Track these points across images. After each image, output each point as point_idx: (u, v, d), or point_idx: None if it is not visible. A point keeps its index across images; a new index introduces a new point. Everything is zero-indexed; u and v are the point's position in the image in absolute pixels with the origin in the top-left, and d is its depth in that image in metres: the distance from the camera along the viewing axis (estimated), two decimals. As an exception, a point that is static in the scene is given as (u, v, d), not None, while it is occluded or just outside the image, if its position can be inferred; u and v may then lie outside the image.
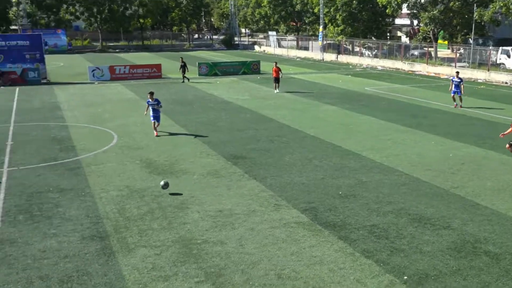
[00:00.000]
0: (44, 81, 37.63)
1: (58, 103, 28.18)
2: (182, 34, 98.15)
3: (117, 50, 79.94)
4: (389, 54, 54.64)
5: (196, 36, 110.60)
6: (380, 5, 54.76)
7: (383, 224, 11.27)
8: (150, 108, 20.00)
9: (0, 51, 36.18)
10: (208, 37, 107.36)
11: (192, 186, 13.89)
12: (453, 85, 26.19)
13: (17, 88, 34.22)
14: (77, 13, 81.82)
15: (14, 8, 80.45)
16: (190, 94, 31.97)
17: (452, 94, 26.37)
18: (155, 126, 20.05)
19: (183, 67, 37.68)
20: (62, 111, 25.63)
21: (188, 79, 37.82)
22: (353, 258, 9.68)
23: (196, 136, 19.90)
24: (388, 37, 68.82)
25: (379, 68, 51.07)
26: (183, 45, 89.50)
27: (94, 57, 65.54)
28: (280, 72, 32.33)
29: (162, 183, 13.08)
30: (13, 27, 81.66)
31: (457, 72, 27.25)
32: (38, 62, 37.41)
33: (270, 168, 15.52)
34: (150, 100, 19.98)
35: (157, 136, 19.70)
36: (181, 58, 39.97)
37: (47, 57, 41.54)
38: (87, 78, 39.10)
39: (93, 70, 39.71)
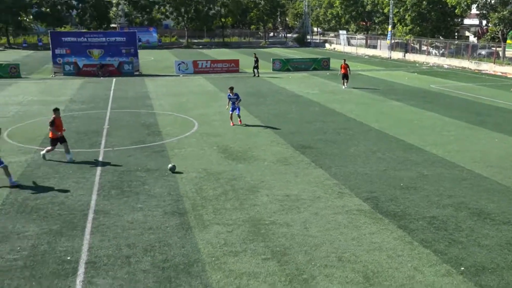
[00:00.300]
0: (137, 73, 39.19)
1: (147, 93, 29.29)
2: (259, 32, 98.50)
3: (200, 46, 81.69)
4: (456, 53, 51.97)
5: (271, 34, 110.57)
6: (450, 6, 52.15)
7: (443, 216, 10.83)
8: (230, 101, 19.99)
9: (101, 46, 38.04)
10: (283, 35, 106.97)
11: (262, 171, 13.99)
12: None
13: (114, 79, 35.89)
14: (167, 13, 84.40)
15: (114, 9, 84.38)
16: (264, 87, 32.10)
17: None
18: (232, 117, 20.13)
19: (256, 62, 38.00)
20: (151, 100, 26.61)
21: (259, 75, 37.97)
22: (411, 246, 9.40)
23: (268, 126, 19.99)
24: (456, 37, 65.42)
25: (446, 66, 48.77)
26: (259, 42, 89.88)
27: (180, 52, 67.35)
28: (348, 68, 31.68)
29: (170, 165, 13.83)
30: (112, 25, 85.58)
31: None
32: (132, 56, 39.02)
33: (335, 158, 15.33)
34: (230, 94, 19.98)
35: (232, 125, 19.91)
36: (254, 54, 40.17)
37: (140, 52, 43.13)
38: (173, 71, 40.31)
39: (179, 64, 40.84)
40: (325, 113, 23.04)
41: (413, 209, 11.22)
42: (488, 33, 54.30)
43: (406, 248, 9.34)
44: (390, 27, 59.48)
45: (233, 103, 19.91)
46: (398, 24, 61.16)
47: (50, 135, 14.71)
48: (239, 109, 20.06)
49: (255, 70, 38.05)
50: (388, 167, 14.41)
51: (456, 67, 47.96)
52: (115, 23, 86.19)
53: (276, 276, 8.29)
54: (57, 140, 14.73)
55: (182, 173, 13.74)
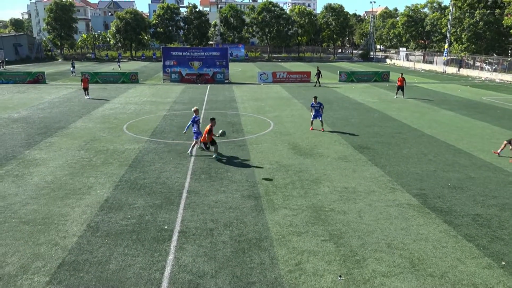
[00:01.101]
0: (227, 81, 40.06)
1: (234, 97, 29.84)
2: (329, 49, 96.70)
3: (279, 60, 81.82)
4: (509, 69, 47.62)
5: (339, 50, 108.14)
6: (505, 26, 47.86)
7: (487, 215, 10.00)
8: (314, 109, 18.99)
9: (200, 59, 39.34)
10: (349, 51, 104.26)
11: (325, 166, 13.74)
12: None
13: (208, 86, 36.98)
14: (254, 32, 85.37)
15: (212, 29, 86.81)
16: (331, 95, 31.49)
17: None
18: (312, 123, 19.30)
19: (318, 74, 37.31)
20: (236, 103, 27.08)
21: (320, 85, 37.11)
22: (455, 240, 8.78)
23: (332, 129, 19.58)
24: (510, 54, 59.93)
25: (497, 81, 44.90)
26: (329, 57, 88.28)
27: (262, 64, 67.90)
28: (404, 81, 30.20)
29: (220, 132, 14.21)
30: (210, 42, 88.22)
31: None
32: (224, 67, 39.94)
33: (390, 158, 14.69)
34: (313, 103, 18.95)
35: (312, 130, 18.97)
36: (317, 67, 39.40)
37: (230, 64, 44.04)
38: (256, 80, 40.73)
39: (260, 74, 41.17)
40: (383, 119, 22.14)
41: (459, 207, 10.47)
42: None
43: (451, 240, 8.74)
44: (446, 45, 55.83)
45: (316, 111, 18.97)
46: (454, 43, 57.18)
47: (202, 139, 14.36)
48: (321, 116, 19.07)
49: (317, 80, 37.34)
50: (437, 168, 13.56)
51: (508, 81, 43.99)
52: (212, 41, 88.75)
53: (332, 255, 8.12)
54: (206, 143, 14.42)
55: (260, 167, 13.84)
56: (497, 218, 9.80)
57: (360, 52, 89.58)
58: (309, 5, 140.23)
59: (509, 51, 58.64)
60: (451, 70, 55.67)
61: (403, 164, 13.97)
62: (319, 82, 37.42)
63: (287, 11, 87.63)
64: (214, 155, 14.35)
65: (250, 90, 34.54)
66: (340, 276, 7.43)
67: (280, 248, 8.36)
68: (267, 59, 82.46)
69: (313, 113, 19.17)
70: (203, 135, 14.29)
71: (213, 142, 14.41)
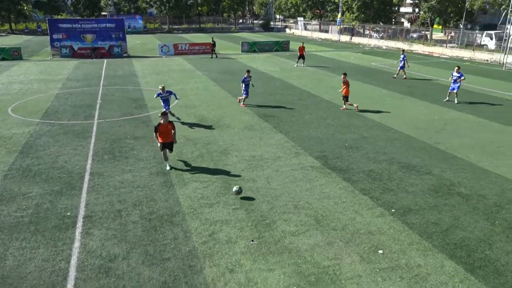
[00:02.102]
0: (125, 55, 37.84)
1: (135, 72, 28.40)
2: (230, 19, 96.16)
3: (180, 31, 79.28)
4: (393, 36, 52.20)
5: (240, 20, 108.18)
6: (388, -4, 52.07)
7: (378, 170, 11.10)
8: (244, 84, 17.91)
9: (94, 31, 36.43)
10: (250, 21, 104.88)
11: (232, 136, 13.93)
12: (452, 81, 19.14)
13: (105, 60, 34.62)
14: (151, 2, 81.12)
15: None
16: (234, 66, 31.61)
17: (450, 91, 19.27)
18: (243, 99, 18.22)
19: (213, 45, 36.90)
20: (137, 78, 25.84)
21: (216, 56, 36.84)
22: (353, 194, 9.63)
23: (237, 99, 19.78)
24: (393, 22, 65.58)
25: (384, 47, 49.04)
26: (230, 28, 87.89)
27: (163, 36, 65.25)
28: (304, 50, 31.51)
29: (236, 189, 9.43)
30: (103, 13, 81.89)
31: (458, 67, 19.18)
32: (121, 40, 37.55)
33: (293, 125, 15.38)
34: (245, 76, 17.91)
35: (243, 106, 18.12)
36: (212, 38, 39.05)
37: (128, 37, 41.51)
38: (157, 53, 39.13)
39: (161, 47, 39.61)
40: (285, 87, 22.94)
41: (355, 165, 11.45)
42: (419, 19, 54.67)
43: (349, 196, 9.57)
44: (339, 15, 59.04)
45: (246, 85, 17.98)
46: (346, 12, 60.77)
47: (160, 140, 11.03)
48: (248, 93, 18.10)
49: (213, 51, 36.85)
50: (335, 131, 14.58)
51: (392, 47, 48.25)
52: (105, 11, 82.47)
53: (244, 222, 8.38)
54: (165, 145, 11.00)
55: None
56: (387, 172, 10.94)
57: (260, 22, 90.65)
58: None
59: (393, 20, 64.15)
60: (345, 38, 59.26)
61: (305, 130, 14.75)
62: (215, 53, 37.02)
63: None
64: (167, 165, 11.12)
65: (151, 63, 33.13)
66: (252, 240, 7.74)
67: (192, 221, 8.40)
68: (167, 30, 79.34)
69: (245, 88, 18.07)
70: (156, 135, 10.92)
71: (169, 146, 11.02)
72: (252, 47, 42.62)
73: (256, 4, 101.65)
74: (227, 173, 10.84)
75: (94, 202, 9.16)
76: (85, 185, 10.00)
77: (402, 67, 25.53)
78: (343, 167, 11.26)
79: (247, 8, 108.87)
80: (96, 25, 36.76)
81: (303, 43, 32.54)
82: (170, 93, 15.38)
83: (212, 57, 36.53)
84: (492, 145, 13.13)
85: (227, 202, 9.22)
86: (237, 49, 42.79)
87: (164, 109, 14.87)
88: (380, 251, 7.40)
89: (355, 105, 17.53)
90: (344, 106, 17.71)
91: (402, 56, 25.62)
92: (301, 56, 31.30)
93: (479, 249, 7.46)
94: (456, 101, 18.83)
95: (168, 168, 11.03)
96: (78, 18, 64.89)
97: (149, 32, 76.81)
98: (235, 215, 8.66)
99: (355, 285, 6.51)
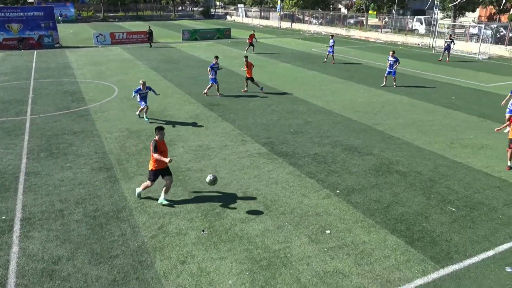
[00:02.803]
0: (57, 45, 35.65)
1: (69, 63, 26.86)
2: (169, 6, 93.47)
3: (116, 20, 75.81)
4: (331, 22, 53.62)
5: (180, 8, 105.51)
6: (325, -17, 53.18)
7: (323, 153, 11.45)
8: (213, 71, 17.49)
9: (20, 20, 33.84)
10: (190, 9, 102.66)
11: (178, 127, 13.69)
12: (388, 65, 19.52)
13: (35, 52, 32.39)
14: (82, -11, 76.68)
15: (29, -15, 74.74)
16: (176, 55, 30.91)
17: (386, 75, 19.84)
18: (210, 88, 17.92)
19: (150, 34, 35.66)
20: (72, 70, 24.48)
21: (150, 45, 35.51)
22: (300, 178, 9.87)
23: (180, 88, 19.42)
24: (331, 9, 67.26)
25: (323, 33, 50.23)
26: (169, 15, 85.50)
27: (98, 25, 62.09)
28: (254, 38, 31.89)
29: (210, 178, 8.43)
30: (29, 0, 76.14)
31: (393, 52, 19.53)
32: (51, 29, 35.26)
33: (238, 113, 15.39)
34: (214, 63, 17.59)
35: (219, 96, 17.77)
36: (149, 26, 37.88)
37: (59, 26, 39.11)
38: (92, 43, 37.23)
39: (97, 36, 37.72)
40: (229, 75, 22.85)
41: (301, 149, 11.73)
42: (355, 5, 56.47)
43: (296, 180, 9.80)
44: (279, 1, 59.48)
45: (215, 73, 17.59)
46: (286, -2, 61.37)
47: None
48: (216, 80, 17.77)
49: (149, 40, 35.61)
50: (280, 117, 14.80)
51: (331, 33, 49.58)
52: (31, -1, 76.73)
53: (193, 213, 8.32)
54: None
55: (109, 136, 12.99)
56: (331, 154, 11.32)
57: (201, 9, 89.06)
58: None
59: (331, 6, 65.72)
60: (285, 25, 59.93)
61: (251, 117, 14.83)
62: (151, 42, 35.83)
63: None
64: (161, 199, 8.71)
65: (87, 54, 31.48)
66: (203, 230, 7.71)
67: (140, 215, 8.19)
68: (102, 19, 75.53)
69: (213, 76, 17.59)
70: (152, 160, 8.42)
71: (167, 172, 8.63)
72: (193, 35, 41.90)
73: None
74: (174, 164, 10.64)
75: (32, 203, 8.63)
76: (21, 186, 9.38)
77: (331, 52, 26.34)
78: (289, 152, 11.48)
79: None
80: (22, 14, 34.13)
81: (254, 31, 33.20)
82: (149, 89, 14.42)
83: (151, 46, 35.39)
84: (425, 124, 14.00)
85: (175, 194, 9.09)
86: (177, 37, 41.86)
87: (143, 106, 14.32)
88: (328, 231, 7.68)
89: (260, 88, 18.39)
90: (245, 88, 18.64)
91: (331, 41, 26.43)
92: (251, 44, 31.46)
93: (417, 222, 7.98)
94: (394, 86, 19.50)
95: (164, 202, 8.55)
96: (1, 6, 59.87)
97: (83, 20, 72.76)
98: (184, 206, 8.56)
99: (305, 266, 6.73)
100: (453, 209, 8.44)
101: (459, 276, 6.50)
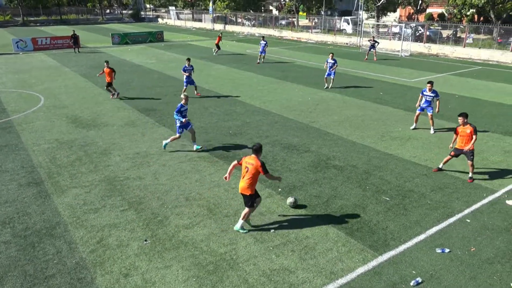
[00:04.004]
0: (-29, 53, 32.70)
1: (-14, 72, 24.73)
2: (96, 9, 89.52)
3: (38, 24, 71.14)
4: (264, 24, 54.53)
5: (108, 11, 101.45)
6: (255, -15, 53.99)
7: (263, 152, 11.55)
8: (186, 73, 17.69)
9: None
10: (118, 11, 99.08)
11: (112, 135, 13.15)
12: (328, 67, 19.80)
13: None
14: (-3, -9, 70.99)
15: None
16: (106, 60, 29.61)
17: (326, 77, 19.94)
18: (194, 88, 18.20)
19: (75, 38, 33.45)
20: (-9, 79, 22.58)
21: (78, 51, 33.79)
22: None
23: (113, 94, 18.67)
24: (263, 10, 68.39)
25: (257, 34, 50.92)
26: (97, 19, 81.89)
27: (17, 30, 57.83)
28: (220, 40, 32.54)
29: (291, 200, 8.57)
30: None
31: (332, 54, 20.01)
32: (-38, 36, 32.24)
33: (175, 117, 15.11)
34: (186, 65, 17.75)
35: (198, 96, 18.18)
36: (73, 30, 36.06)
37: (-29, 32, 35.85)
38: (11, 49, 34.60)
39: (16, 42, 35.11)
40: (163, 79, 22.39)
41: (240, 150, 11.78)
42: (285, 7, 57.91)
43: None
44: (211, 3, 59.36)
45: (189, 75, 17.83)
46: (218, 1, 61.36)
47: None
48: (193, 82, 18.05)
49: (75, 45, 33.53)
50: (219, 119, 14.77)
51: (264, 34, 50.38)
52: None
53: (134, 223, 8.04)
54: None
55: (37, 149, 12.14)
56: (271, 154, 11.50)
57: (130, 12, 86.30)
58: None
59: (262, 8, 66.82)
60: (219, 27, 59.93)
61: (189, 120, 14.61)
62: (77, 47, 33.82)
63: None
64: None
65: (6, 61, 29.18)
66: (145, 240, 7.48)
67: (77, 230, 7.76)
68: (22, 23, 70.46)
69: (186, 79, 17.81)
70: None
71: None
72: (124, 39, 40.52)
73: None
74: (110, 174, 10.22)
75: (-50, 227, 7.83)
76: None
77: (262, 52, 27.22)
78: (229, 154, 11.49)
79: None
80: None
81: (221, 33, 34.77)
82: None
83: (77, 52, 33.43)
84: (357, 120, 14.71)
85: (113, 204, 8.72)
86: (107, 42, 40.23)
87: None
88: (272, 230, 7.80)
89: (113, 94, 17.89)
90: (113, 93, 17.99)
91: (264, 42, 27.25)
92: (217, 46, 31.83)
93: (355, 214, 8.36)
94: (329, 86, 19.64)
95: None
96: None
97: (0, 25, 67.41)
98: (124, 217, 8.25)
99: (252, 266, 6.77)
100: (387, 199, 8.95)
101: (396, 261, 6.90)
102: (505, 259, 6.97)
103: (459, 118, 9.83)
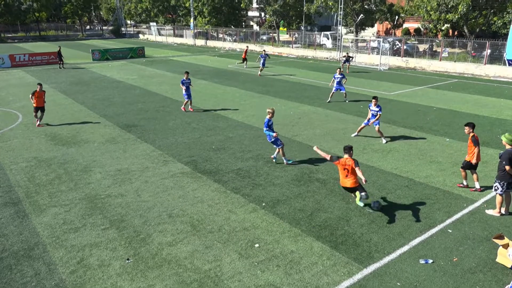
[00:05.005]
0: None
1: (-39, 90, 24.16)
2: (75, 26, 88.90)
3: (15, 41, 70.13)
4: (245, 39, 55.02)
5: (88, 27, 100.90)
6: (236, 1, 54.70)
7: (246, 167, 11.58)
8: (184, 86, 17.79)
9: None
10: (99, 28, 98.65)
11: (93, 152, 12.95)
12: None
13: None
14: (-27, 8, 69.82)
15: None
16: (86, 76, 29.38)
17: (334, 91, 20.28)
18: (185, 102, 18.28)
19: (59, 55, 33.37)
20: (-34, 97, 22.05)
21: (63, 66, 33.61)
22: (225, 194, 9.86)
23: (94, 111, 18.45)
24: (244, 26, 69.09)
25: (238, 50, 51.29)
26: (76, 35, 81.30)
27: (-6, 47, 56.89)
28: (246, 53, 33.19)
29: (376, 205, 8.97)
30: None
31: (339, 69, 20.43)
32: None
33: (158, 133, 15.02)
34: (185, 78, 17.87)
35: (192, 111, 18.22)
36: (59, 46, 35.80)
37: None
38: (-12, 66, 33.97)
39: (-7, 59, 34.52)
40: (145, 94, 22.27)
41: (224, 165, 11.75)
42: (266, 22, 58.68)
43: (222, 196, 9.77)
44: (192, 19, 59.74)
45: (187, 88, 17.86)
46: (198, 16, 61.78)
47: None
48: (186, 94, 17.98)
49: (60, 61, 33.34)
50: (201, 135, 14.73)
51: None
52: None
53: (116, 242, 7.88)
54: None
55: (14, 167, 11.85)
56: (254, 168, 11.50)
57: (110, 28, 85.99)
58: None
59: (243, 23, 67.56)
60: (200, 42, 60.20)
61: (171, 136, 14.55)
62: (62, 63, 33.73)
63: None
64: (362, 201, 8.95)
65: (-18, 78, 28.60)
66: (128, 259, 7.32)
67: (56, 251, 7.55)
68: (-1, 40, 69.45)
69: (186, 92, 17.98)
70: None
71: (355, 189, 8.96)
72: (104, 55, 40.23)
73: (103, 9, 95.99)
74: (91, 192, 10.03)
75: None
76: None
77: (263, 65, 28.99)
78: (212, 169, 11.44)
79: (94, 13, 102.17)
80: None
81: (247, 47, 36.21)
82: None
83: (60, 68, 33.18)
84: (339, 133, 14.87)
85: (94, 223, 8.54)
86: (87, 58, 39.91)
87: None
88: (257, 245, 7.75)
89: (37, 123, 15.84)
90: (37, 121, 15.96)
91: (264, 55, 29.37)
92: (244, 59, 32.72)
93: (339, 227, 8.39)
94: (347, 101, 20.03)
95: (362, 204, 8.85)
96: None
97: (-24, 42, 66.16)
98: (105, 235, 8.07)
99: (237, 283, 6.69)
100: (370, 211, 9.01)
101: (381, 274, 6.93)
102: (487, 268, 7.07)
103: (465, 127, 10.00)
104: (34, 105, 15.81)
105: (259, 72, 28.93)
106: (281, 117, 16.98)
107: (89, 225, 8.45)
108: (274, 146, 11.79)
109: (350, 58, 30.83)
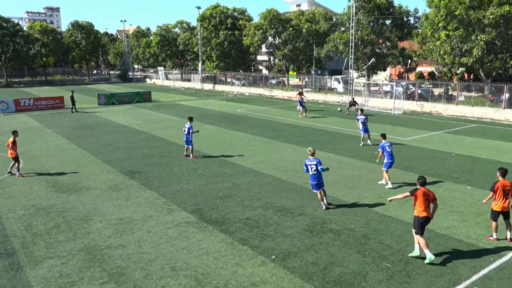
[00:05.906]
0: (-51, 115, 32.87)
1: (-36, 135, 24.69)
2: (82, 70, 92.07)
3: (22, 85, 72.56)
4: (254, 83, 56.29)
5: (95, 71, 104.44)
6: (245, 46, 56.51)
7: (255, 216, 11.42)
8: (187, 132, 17.95)
9: None
10: (106, 72, 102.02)
11: (94, 200, 12.92)
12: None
13: None
14: (-18, 53, 72.93)
15: None
16: (91, 120, 29.99)
17: (363, 134, 20.63)
18: (186, 148, 18.39)
19: (72, 99, 34.89)
20: (-32, 142, 22.49)
21: (76, 110, 34.82)
22: (232, 246, 9.66)
23: (97, 156, 18.63)
24: (253, 70, 70.91)
25: (247, 94, 52.36)
26: (83, 79, 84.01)
27: None
28: (303, 96, 33.70)
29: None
30: None
31: (361, 111, 21.30)
32: None
33: (162, 179, 15.03)
34: (188, 123, 18.13)
35: (193, 158, 18.11)
36: (72, 90, 37.08)
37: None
38: (-8, 111, 34.94)
39: (-2, 103, 35.57)
40: (150, 139, 22.54)
41: (231, 214, 11.60)
42: (275, 67, 60.21)
43: (229, 248, 9.57)
44: (200, 63, 61.58)
45: (189, 134, 17.89)
46: (207, 61, 63.69)
47: None
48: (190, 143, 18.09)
49: (73, 105, 34.86)
50: (208, 181, 14.69)
51: (254, 94, 51.84)
52: None
53: (114, 297, 7.66)
54: None
55: (11, 215, 11.83)
56: (263, 218, 11.33)
57: (117, 72, 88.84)
58: (51, 22, 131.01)
59: (252, 68, 69.41)
60: (208, 86, 61.69)
61: (176, 183, 14.53)
62: (74, 107, 34.94)
63: (25, 28, 78.84)
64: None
65: (-15, 123, 29.32)
66: (126, 317, 7.08)
67: (50, 307, 7.34)
68: (5, 84, 71.89)
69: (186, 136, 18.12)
70: None
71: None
72: (110, 99, 41.29)
73: (111, 54, 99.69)
74: (90, 242, 9.90)
75: None
76: None
77: (303, 107, 30.66)
78: (219, 219, 11.29)
79: (101, 58, 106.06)
80: None
81: (302, 89, 37.46)
82: None
83: (72, 112, 34.26)
84: (352, 180, 14.74)
85: (92, 276, 8.35)
86: (93, 102, 40.93)
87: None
88: (266, 302, 7.46)
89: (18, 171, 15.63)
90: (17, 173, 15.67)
91: (300, 99, 31.30)
92: (301, 102, 32.03)
93: (355, 282, 8.09)
94: (369, 143, 20.50)
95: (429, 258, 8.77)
96: None
97: (-18, 87, 68.53)
98: (103, 290, 7.87)
99: None
100: (389, 265, 8.72)
101: (403, 336, 6.57)
102: (521, 331, 6.68)
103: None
104: (14, 155, 15.43)
105: (305, 114, 30.42)
106: (291, 164, 16.95)
107: (86, 279, 8.26)
108: (315, 190, 11.98)
109: (357, 104, 32.02)
